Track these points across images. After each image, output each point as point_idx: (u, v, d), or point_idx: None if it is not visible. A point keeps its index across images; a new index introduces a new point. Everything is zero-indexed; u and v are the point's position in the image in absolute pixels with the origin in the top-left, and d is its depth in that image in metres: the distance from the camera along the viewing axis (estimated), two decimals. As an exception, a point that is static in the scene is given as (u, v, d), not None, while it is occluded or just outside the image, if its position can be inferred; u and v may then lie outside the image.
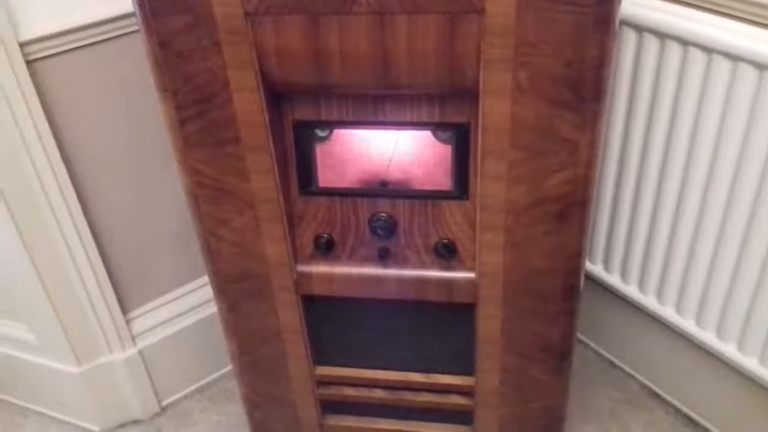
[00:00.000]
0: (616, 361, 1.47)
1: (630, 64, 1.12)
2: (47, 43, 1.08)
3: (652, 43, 1.07)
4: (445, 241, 0.99)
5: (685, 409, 1.36)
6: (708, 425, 1.32)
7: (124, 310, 1.38)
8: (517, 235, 0.94)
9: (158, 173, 1.29)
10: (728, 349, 1.19)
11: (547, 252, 0.95)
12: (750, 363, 1.16)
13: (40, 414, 1.51)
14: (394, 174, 0.98)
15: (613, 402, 1.40)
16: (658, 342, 1.33)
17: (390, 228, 0.99)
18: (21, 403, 1.53)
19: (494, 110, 0.84)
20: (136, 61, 1.15)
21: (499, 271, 0.97)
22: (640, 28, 1.08)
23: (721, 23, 1.00)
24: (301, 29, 0.81)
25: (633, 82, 1.13)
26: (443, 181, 0.97)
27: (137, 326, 1.41)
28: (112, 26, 1.12)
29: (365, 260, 1.03)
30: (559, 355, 1.05)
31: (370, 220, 1.00)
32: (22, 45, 1.05)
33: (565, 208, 0.90)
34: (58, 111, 1.14)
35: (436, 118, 0.92)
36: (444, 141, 0.94)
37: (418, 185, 0.98)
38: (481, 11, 0.77)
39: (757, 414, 1.22)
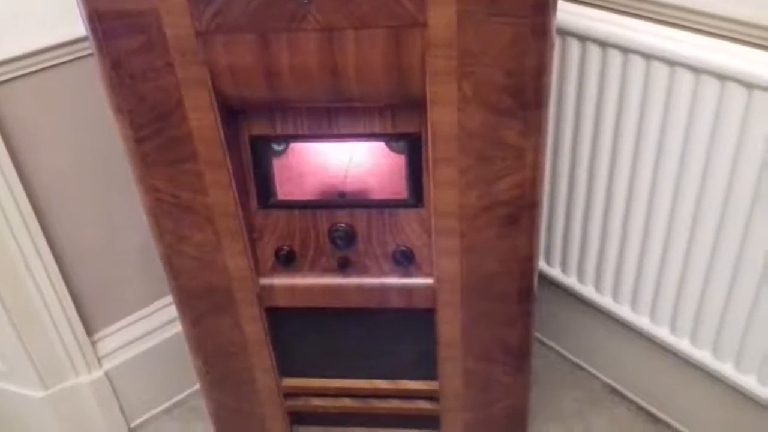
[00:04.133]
0: (579, 362, 1.51)
1: (575, 72, 1.16)
2: (7, 67, 1.08)
3: (594, 52, 1.12)
4: (403, 248, 1.02)
5: (646, 405, 1.39)
6: (668, 420, 1.36)
7: (89, 332, 1.38)
8: (471, 240, 0.97)
9: (120, 194, 1.29)
10: (683, 344, 1.23)
11: (501, 255, 0.98)
12: (702, 356, 1.20)
13: (7, 441, 1.49)
14: (351, 185, 1.01)
15: (577, 402, 1.43)
16: (616, 341, 1.37)
17: (349, 238, 1.02)
18: (-14, 431, 1.51)
19: (442, 119, 0.87)
20: (93, 83, 1.16)
21: (456, 276, 1.00)
22: (582, 38, 1.12)
23: (660, 31, 1.04)
24: (252, 47, 0.84)
25: (579, 89, 1.17)
26: (398, 190, 1.00)
27: (103, 348, 1.41)
28: (69, 49, 1.13)
29: (326, 270, 1.05)
30: (518, 356, 1.08)
31: (330, 231, 1.02)
32: (-22, 69, 1.06)
33: (516, 212, 0.94)
34: (15, 134, 1.14)
35: (389, 129, 0.94)
36: (397, 151, 0.97)
37: (374, 195, 1.01)
38: (424, 25, 0.80)
39: (714, 406, 1.26)
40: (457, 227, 0.96)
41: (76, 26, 1.11)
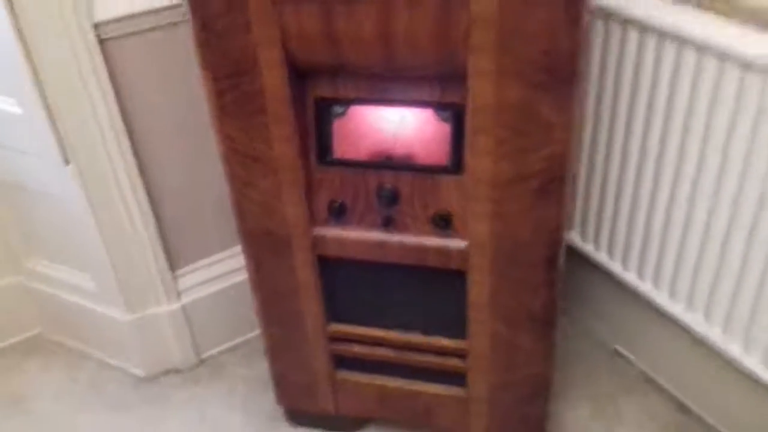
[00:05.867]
0: (618, 347, 1.54)
1: (633, 56, 1.21)
2: (117, 25, 1.26)
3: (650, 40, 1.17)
4: (442, 212, 1.10)
5: (679, 396, 1.41)
6: (700, 413, 1.38)
7: (172, 267, 1.55)
8: (503, 207, 1.05)
9: (206, 143, 1.44)
10: (714, 333, 1.25)
11: (530, 224, 1.05)
12: (731, 349, 1.22)
13: (97, 359, 1.69)
14: (400, 149, 1.11)
15: (611, 385, 1.47)
16: (654, 329, 1.40)
17: (393, 198, 1.12)
18: (80, 346, 1.72)
19: (481, 91, 0.96)
20: (186, 44, 1.31)
21: (487, 240, 1.08)
22: (642, 27, 1.17)
23: (709, 21, 1.08)
24: (316, 14, 0.95)
25: (635, 78, 1.22)
26: (442, 157, 1.09)
27: (183, 283, 1.58)
28: (172, 12, 1.29)
29: (372, 226, 1.15)
30: (542, 324, 1.15)
31: (377, 190, 1.12)
32: (95, 25, 1.23)
33: (545, 184, 1.01)
34: (123, 85, 1.32)
35: (437, 98, 1.04)
36: (444, 120, 1.06)
37: (419, 160, 1.10)
38: (469, 1, 0.89)
39: (747, 404, 1.27)
40: (491, 195, 1.04)
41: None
